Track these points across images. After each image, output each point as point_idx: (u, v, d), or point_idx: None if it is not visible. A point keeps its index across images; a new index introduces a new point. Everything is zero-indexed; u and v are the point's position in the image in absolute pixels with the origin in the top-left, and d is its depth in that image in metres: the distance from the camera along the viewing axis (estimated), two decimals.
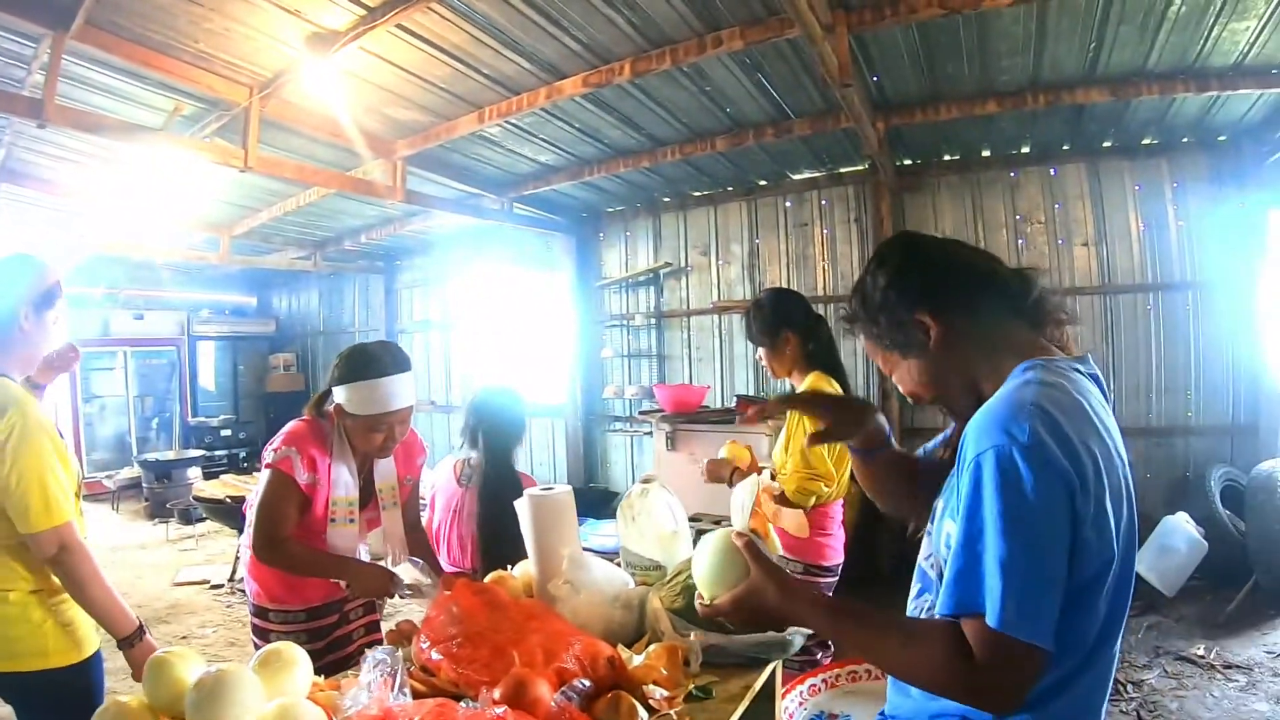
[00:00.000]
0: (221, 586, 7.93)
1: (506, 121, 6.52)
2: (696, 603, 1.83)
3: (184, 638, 6.62)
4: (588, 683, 1.97)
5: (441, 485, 3.97)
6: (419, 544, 3.37)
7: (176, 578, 8.29)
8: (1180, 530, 6.49)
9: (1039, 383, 1.47)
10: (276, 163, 6.65)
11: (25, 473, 2.25)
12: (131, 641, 2.47)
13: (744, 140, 7.11)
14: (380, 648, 1.98)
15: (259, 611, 3.06)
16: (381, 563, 3.04)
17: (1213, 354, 7.32)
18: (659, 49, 5.36)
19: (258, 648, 2.89)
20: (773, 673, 2.54)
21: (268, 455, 2.88)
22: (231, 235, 10.59)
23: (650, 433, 9.39)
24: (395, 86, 5.88)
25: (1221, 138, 7.29)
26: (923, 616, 1.63)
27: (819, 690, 3.16)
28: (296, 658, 2.03)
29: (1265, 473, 6.41)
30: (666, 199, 9.73)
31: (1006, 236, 7.88)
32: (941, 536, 1.55)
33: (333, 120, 6.26)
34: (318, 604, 3.04)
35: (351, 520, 2.95)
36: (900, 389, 1.77)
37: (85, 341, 12.40)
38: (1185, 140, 7.38)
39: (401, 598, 2.88)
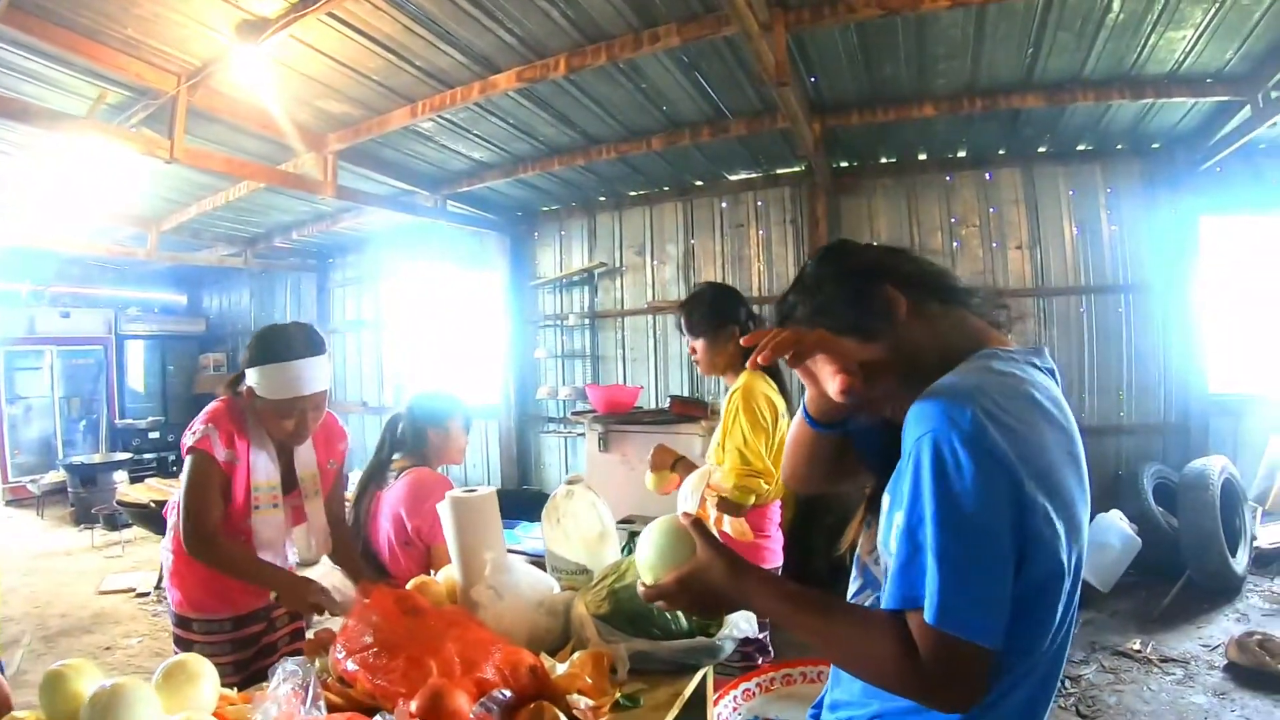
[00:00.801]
0: (148, 595, 7.72)
1: (440, 116, 6.43)
2: (639, 588, 1.69)
3: (108, 648, 6.43)
4: (508, 693, 1.90)
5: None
6: (341, 542, 3.26)
7: (102, 585, 8.07)
8: (1114, 527, 6.64)
9: (988, 369, 1.40)
10: (204, 155, 6.47)
11: None
12: None
13: (680, 139, 7.10)
14: (291, 659, 1.89)
15: (180, 621, 2.94)
16: (310, 570, 2.95)
17: (1144, 355, 7.51)
18: (595, 44, 5.30)
19: None
20: (704, 679, 2.48)
21: (186, 439, 2.80)
22: (160, 230, 10.31)
23: (584, 433, 9.37)
24: (326, 78, 5.77)
25: (1155, 145, 7.46)
26: None
27: (753, 695, 3.13)
28: (202, 670, 1.96)
29: (1197, 470, 6.60)
30: (602, 198, 9.71)
31: (942, 239, 7.96)
32: (893, 530, 1.40)
33: (262, 111, 6.13)
34: (244, 612, 2.93)
35: (275, 505, 2.87)
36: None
37: (10, 340, 12.30)
38: (1119, 147, 7.53)
39: (333, 615, 2.77)
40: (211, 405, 2.88)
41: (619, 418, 7.25)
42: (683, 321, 3.79)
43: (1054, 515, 1.28)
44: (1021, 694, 1.39)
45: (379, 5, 4.72)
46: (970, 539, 1.23)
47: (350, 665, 2.04)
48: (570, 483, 2.95)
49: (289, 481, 2.99)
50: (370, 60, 5.49)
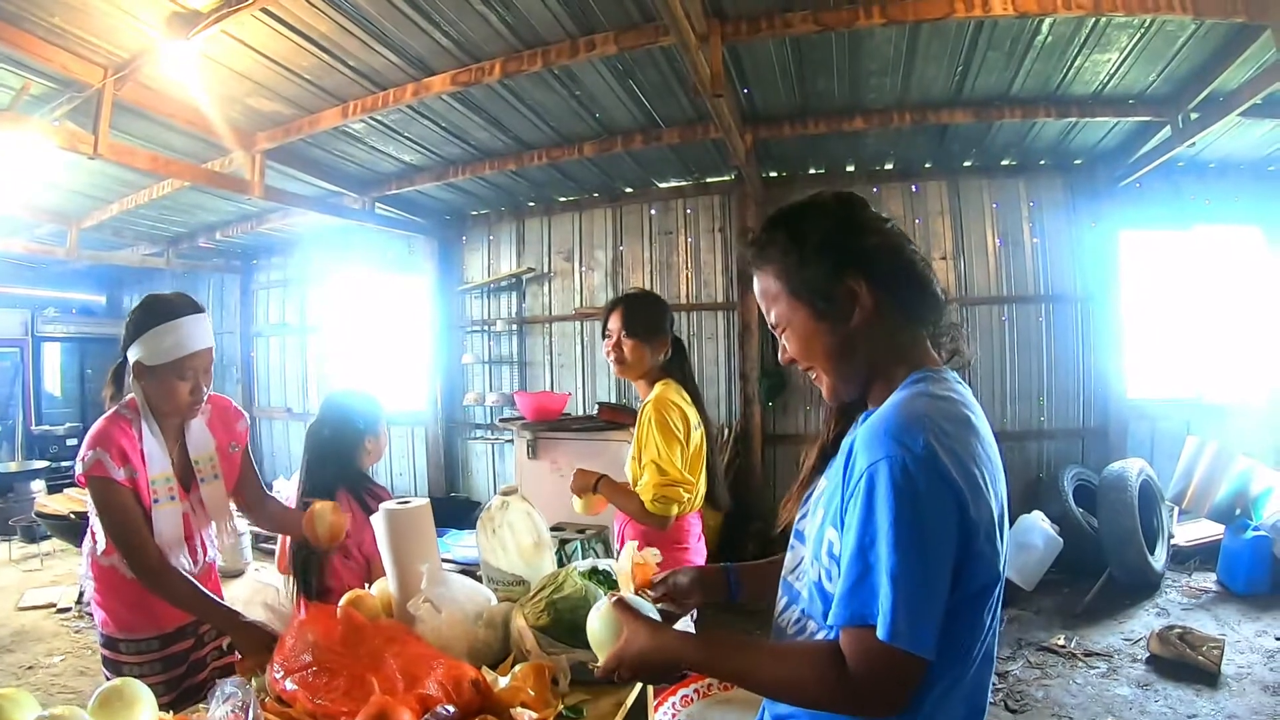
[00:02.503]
0: (69, 610, 7.49)
1: (371, 117, 6.37)
2: (592, 669, 1.82)
3: (30, 668, 6.26)
4: (452, 708, 1.89)
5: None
6: (274, 513, 3.28)
7: (21, 601, 7.80)
8: (1037, 528, 6.87)
9: (929, 395, 1.46)
10: (129, 151, 6.31)
11: None
12: None
13: (613, 147, 7.12)
14: (230, 679, 1.85)
15: (108, 642, 2.82)
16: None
17: (1064, 363, 7.75)
18: (531, 50, 5.30)
19: (109, 680, 2.73)
20: (644, 687, 2.48)
21: (77, 467, 2.66)
22: (80, 228, 10.06)
23: (513, 440, 9.33)
24: (257, 75, 5.67)
25: (1077, 161, 7.69)
26: (790, 631, 1.64)
27: (691, 700, 3.13)
28: (139, 695, 1.94)
29: (1115, 472, 6.89)
30: (531, 203, 9.70)
31: None
32: (823, 545, 1.51)
33: (190, 108, 6.00)
34: (171, 630, 2.81)
35: (173, 498, 2.73)
36: (785, 348, 1.65)
37: None
38: (1042, 162, 7.75)
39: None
40: (95, 426, 2.72)
41: (548, 425, 7.23)
42: (619, 318, 3.68)
43: (994, 531, 1.37)
44: (958, 700, 1.46)
45: (314, 3, 4.67)
46: (922, 560, 1.30)
47: (289, 685, 2.01)
48: (505, 493, 2.91)
49: (187, 473, 2.88)
50: (303, 59, 5.42)
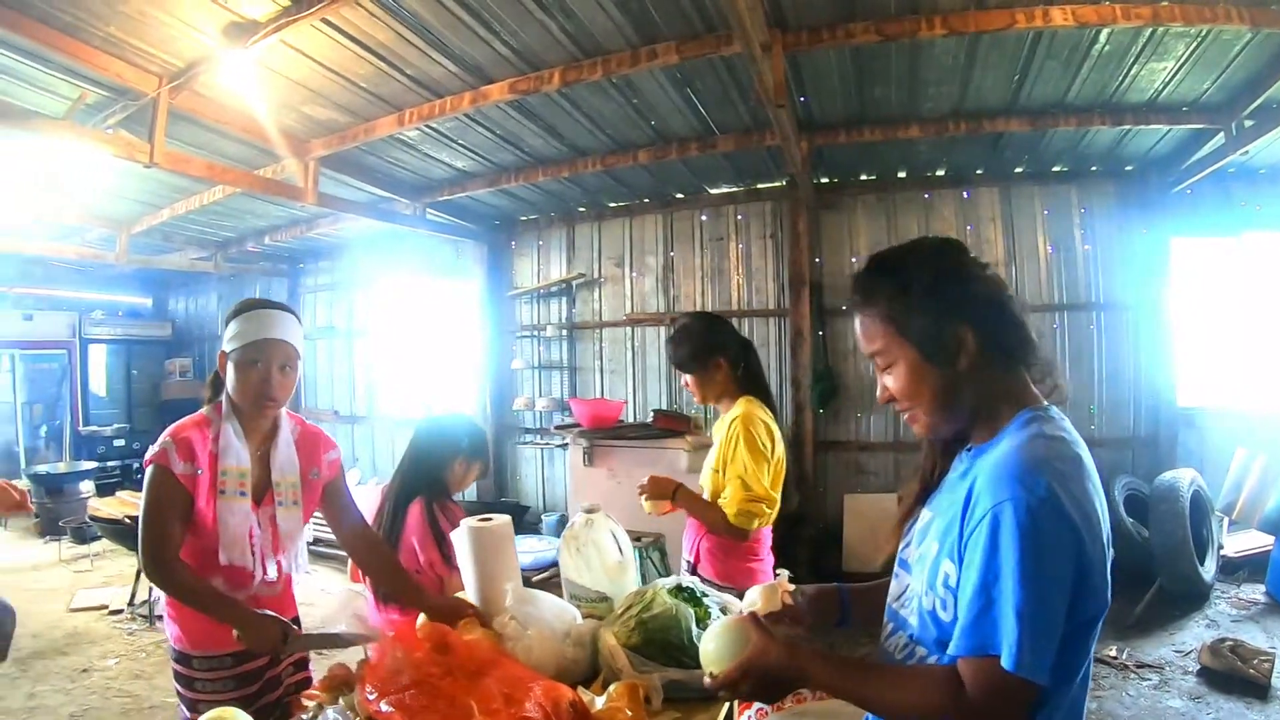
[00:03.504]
0: (121, 612, 7.52)
1: (426, 125, 6.38)
2: (705, 680, 1.79)
3: (85, 670, 6.25)
4: None
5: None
6: (374, 553, 3.16)
7: (73, 603, 7.86)
8: None
9: (1044, 436, 1.54)
10: (184, 159, 6.37)
11: None
12: None
13: (667, 154, 7.11)
14: (331, 708, 1.85)
15: (181, 658, 2.77)
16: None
17: (1115, 371, 7.66)
18: (591, 59, 5.29)
19: (181, 696, 2.74)
20: (730, 707, 2.47)
21: (149, 451, 2.68)
22: (130, 233, 10.16)
23: (562, 445, 9.39)
24: (314, 83, 5.70)
25: (1129, 168, 7.61)
26: (898, 656, 1.71)
27: (766, 714, 3.10)
28: None
29: (1167, 482, 6.79)
30: (582, 209, 9.68)
31: None
32: (939, 576, 1.57)
33: (245, 116, 6.04)
34: (244, 647, 2.69)
35: (243, 493, 2.71)
36: (888, 385, 1.71)
37: None
38: (1094, 169, 7.67)
39: (294, 652, 2.72)
40: (184, 418, 2.78)
41: (604, 432, 7.20)
42: (671, 356, 3.84)
43: (1104, 564, 1.47)
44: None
45: (374, 12, 4.67)
46: (1045, 596, 1.38)
47: (384, 706, 1.99)
48: (589, 511, 2.91)
49: (262, 489, 2.84)
50: (361, 67, 5.44)
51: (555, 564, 7.36)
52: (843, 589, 2.10)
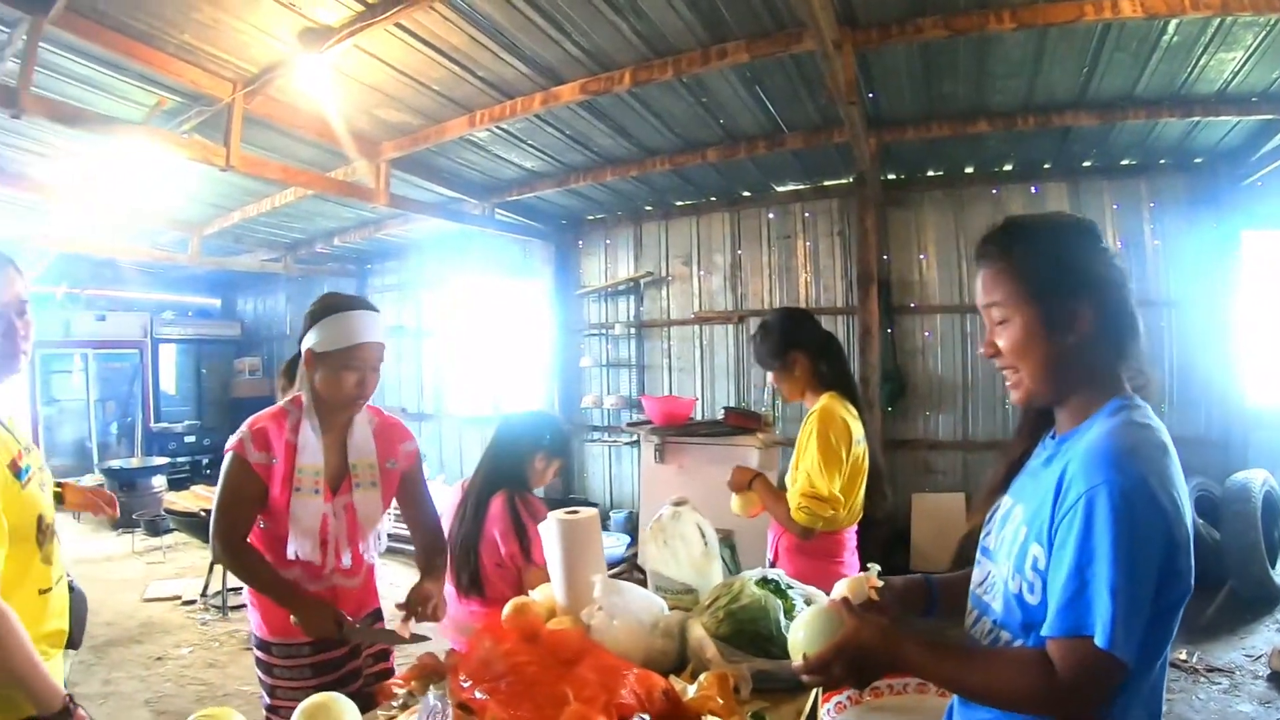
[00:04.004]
0: (194, 603, 7.71)
1: (497, 126, 6.44)
2: (796, 664, 1.79)
3: (159, 659, 6.41)
4: (647, 717, 1.90)
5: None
6: (432, 546, 3.16)
7: (146, 593, 8.05)
8: None
9: (1135, 424, 1.58)
10: (259, 162, 6.51)
11: None
12: None
13: (736, 153, 7.11)
14: (432, 693, 1.90)
15: (261, 644, 2.85)
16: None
17: (1185, 369, 7.48)
18: (662, 59, 5.32)
19: (261, 682, 2.81)
20: (817, 697, 2.50)
21: (227, 443, 2.73)
22: (202, 235, 10.39)
23: (631, 443, 9.47)
24: (387, 87, 5.79)
25: (1198, 160, 7.44)
26: (983, 641, 1.74)
27: (845, 708, 3.12)
28: (344, 710, 1.99)
29: (1239, 483, 6.67)
30: (649, 208, 9.69)
31: None
32: (1027, 560, 1.60)
33: (318, 119, 6.15)
34: (323, 637, 2.75)
35: (316, 491, 2.74)
36: (997, 343, 1.71)
37: (46, 343, 12.17)
38: (1163, 162, 7.52)
39: (351, 641, 2.74)
40: (264, 410, 2.83)
41: (675, 429, 7.22)
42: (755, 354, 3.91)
43: (1190, 549, 1.50)
44: (1140, 704, 1.57)
45: (447, 16, 4.73)
46: (1137, 577, 1.42)
47: (479, 694, 2.04)
48: (676, 504, 2.95)
49: (339, 477, 2.87)
50: (433, 70, 5.50)
51: (624, 560, 7.46)
52: (929, 579, 2.12)
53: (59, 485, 2.71)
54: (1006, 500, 1.80)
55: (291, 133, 6.50)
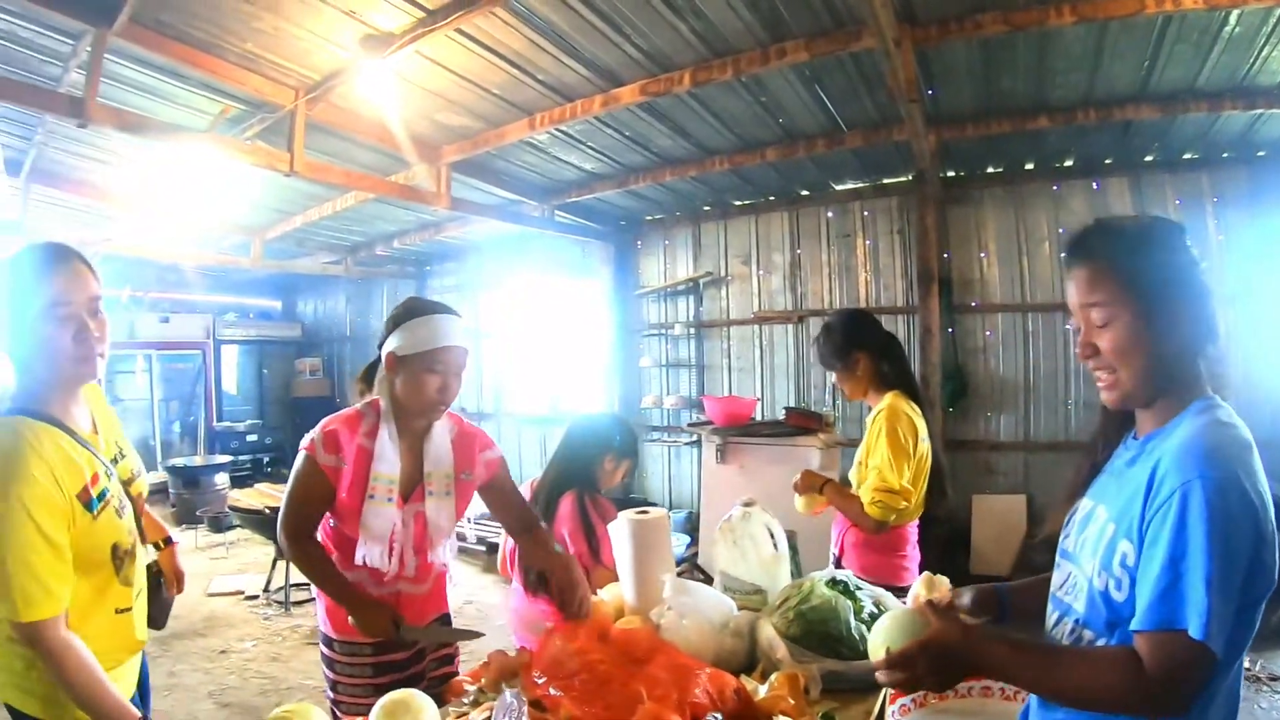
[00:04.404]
0: (256, 598, 7.89)
1: (556, 129, 6.46)
2: (877, 659, 1.80)
3: (223, 651, 6.57)
4: (720, 716, 1.92)
5: None
6: (543, 542, 2.99)
7: (210, 588, 8.24)
8: None
9: (1221, 422, 1.60)
10: (323, 168, 6.62)
11: None
12: None
13: (795, 152, 7.07)
14: (508, 690, 1.93)
15: (326, 640, 2.90)
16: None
17: (1253, 366, 7.29)
18: (721, 59, 5.30)
19: (325, 678, 2.84)
20: (885, 699, 2.50)
21: (302, 442, 2.73)
22: (264, 239, 10.60)
23: (691, 443, 9.49)
24: (448, 92, 5.83)
25: (1261, 153, 7.26)
26: (1065, 641, 1.75)
27: (909, 710, 3.10)
28: (423, 706, 2.01)
29: None
30: (708, 207, 9.66)
31: (1049, 250, 7.80)
32: (1115, 557, 1.61)
33: (378, 124, 6.22)
34: (384, 638, 2.74)
35: (390, 499, 2.71)
36: (1097, 344, 1.69)
37: (110, 344, 12.40)
38: (1226, 155, 7.35)
39: (406, 640, 2.70)
40: (335, 413, 2.81)
41: (737, 430, 7.21)
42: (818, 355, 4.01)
43: (1276, 543, 1.50)
44: (1222, 699, 1.59)
45: (507, 21, 4.75)
46: (1228, 569, 1.43)
47: (554, 691, 2.07)
48: (746, 505, 2.97)
49: (412, 483, 2.83)
50: (494, 74, 5.53)
51: (684, 560, 7.47)
52: (999, 588, 2.12)
53: (164, 543, 2.74)
54: (1086, 502, 1.81)
55: (353, 138, 6.58)
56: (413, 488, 2.83)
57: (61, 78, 5.40)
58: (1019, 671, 1.67)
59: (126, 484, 2.37)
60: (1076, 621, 1.71)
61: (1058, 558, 1.87)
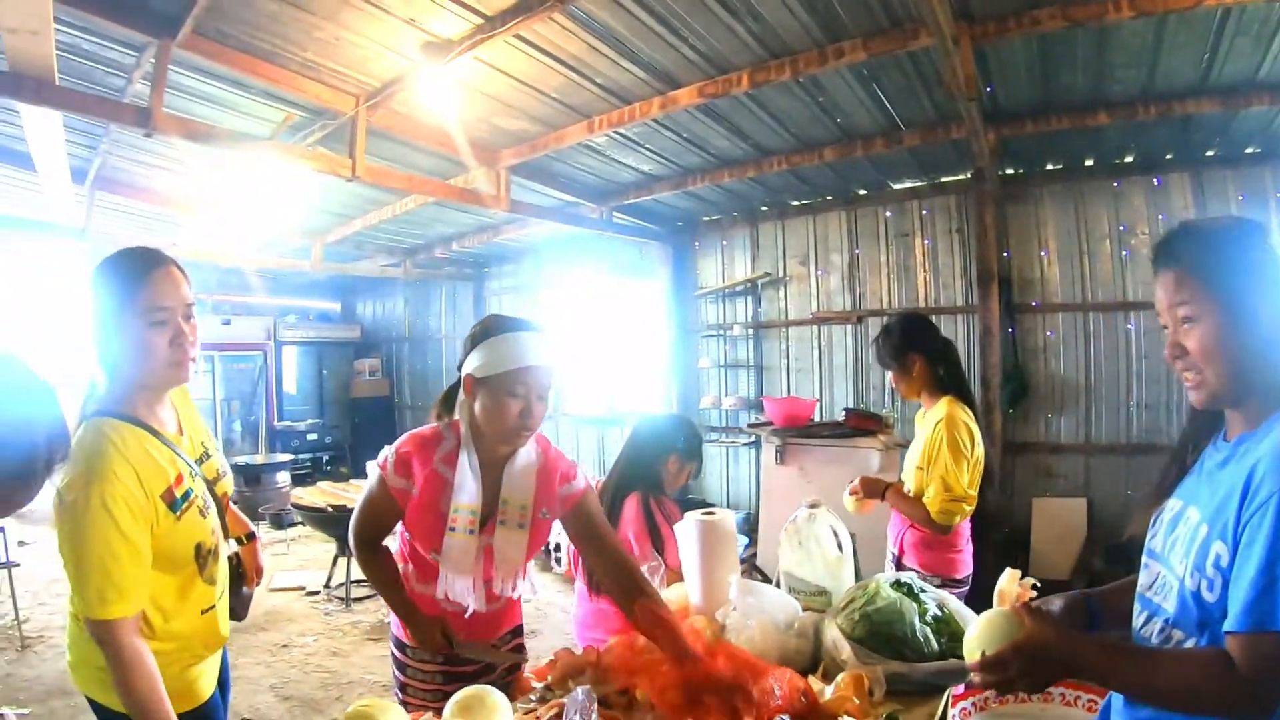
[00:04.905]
0: (317, 594, 8.03)
1: (615, 131, 6.48)
2: (969, 661, 1.83)
3: (285, 646, 6.71)
4: (787, 717, 1.94)
5: None
6: (631, 579, 2.64)
7: (271, 583, 8.40)
8: None
9: None
10: (384, 172, 6.72)
11: (71, 552, 2.04)
12: None
13: (853, 151, 7.03)
14: (579, 687, 1.97)
15: (398, 644, 2.88)
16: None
17: None
18: (779, 60, 5.29)
19: (395, 677, 2.87)
20: (947, 702, 2.51)
21: (377, 458, 2.69)
22: (324, 242, 10.79)
23: (749, 444, 9.47)
24: (507, 96, 5.88)
25: None
26: (1154, 642, 1.75)
27: (970, 714, 3.12)
28: (499, 703, 2.06)
29: None
30: (765, 208, 9.63)
31: (1110, 248, 7.68)
32: (1208, 558, 1.61)
33: (438, 129, 6.29)
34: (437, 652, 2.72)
35: (471, 531, 2.55)
36: (1185, 343, 1.71)
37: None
38: None
39: (460, 653, 2.65)
40: (413, 432, 2.70)
41: (796, 431, 7.23)
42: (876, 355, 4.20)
43: None
44: None
45: (566, 26, 4.78)
46: None
47: (622, 691, 2.12)
48: (811, 506, 2.99)
49: (489, 510, 2.65)
50: (552, 78, 5.57)
51: (743, 561, 7.47)
52: (1088, 596, 2.10)
53: (247, 539, 2.80)
54: (1174, 503, 1.81)
55: (412, 143, 6.66)
56: (488, 518, 2.67)
57: (125, 89, 5.53)
58: (1112, 673, 1.69)
59: (212, 483, 2.44)
60: (1166, 622, 1.72)
61: (1144, 558, 1.88)
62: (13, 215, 9.03)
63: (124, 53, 5.08)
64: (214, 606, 2.41)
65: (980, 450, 3.81)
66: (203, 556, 2.31)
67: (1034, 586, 2.15)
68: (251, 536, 2.81)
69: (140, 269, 2.21)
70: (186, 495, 2.24)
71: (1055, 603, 2.08)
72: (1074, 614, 2.07)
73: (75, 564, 2.03)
